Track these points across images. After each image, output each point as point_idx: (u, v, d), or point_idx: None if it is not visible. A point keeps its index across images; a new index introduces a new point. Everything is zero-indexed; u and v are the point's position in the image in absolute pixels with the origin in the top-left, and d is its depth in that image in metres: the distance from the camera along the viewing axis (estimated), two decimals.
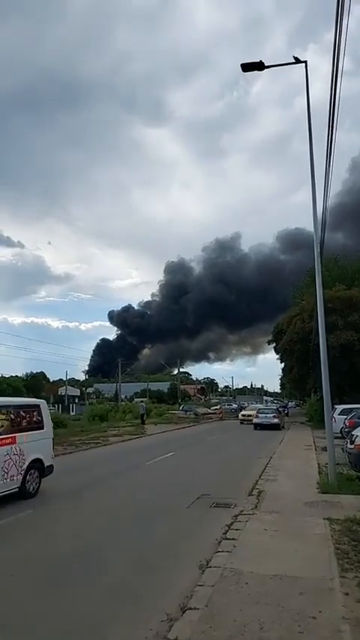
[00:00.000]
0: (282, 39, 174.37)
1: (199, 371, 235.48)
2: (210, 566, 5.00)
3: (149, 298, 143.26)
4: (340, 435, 18.63)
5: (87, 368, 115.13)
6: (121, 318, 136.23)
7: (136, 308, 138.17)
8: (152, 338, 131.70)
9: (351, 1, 6.84)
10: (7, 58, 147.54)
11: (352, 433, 11.06)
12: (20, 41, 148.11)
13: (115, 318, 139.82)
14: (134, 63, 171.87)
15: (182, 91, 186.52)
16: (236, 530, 6.47)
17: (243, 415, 37.86)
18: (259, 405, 45.21)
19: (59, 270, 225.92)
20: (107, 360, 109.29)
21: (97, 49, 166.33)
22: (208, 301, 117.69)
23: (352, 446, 10.29)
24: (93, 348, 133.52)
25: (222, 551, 5.49)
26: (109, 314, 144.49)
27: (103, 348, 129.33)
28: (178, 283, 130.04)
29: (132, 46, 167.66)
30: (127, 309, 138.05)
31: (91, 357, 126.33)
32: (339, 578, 4.54)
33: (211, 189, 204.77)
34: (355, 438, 10.31)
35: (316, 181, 10.97)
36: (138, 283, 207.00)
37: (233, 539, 6.01)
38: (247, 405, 55.86)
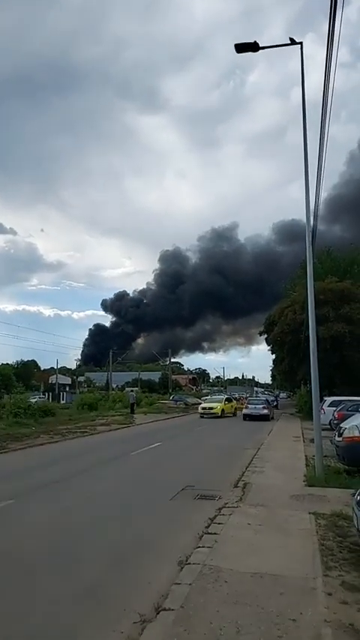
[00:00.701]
0: (280, 28, 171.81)
1: (191, 361, 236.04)
2: (189, 563, 4.79)
3: (143, 287, 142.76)
4: (329, 426, 18.60)
5: (79, 357, 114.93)
6: (116, 306, 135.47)
7: (130, 296, 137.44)
8: (148, 327, 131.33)
9: None
10: (1, 42, 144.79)
11: (341, 425, 10.91)
12: (14, 26, 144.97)
13: (109, 305, 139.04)
14: (130, 50, 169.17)
15: (178, 80, 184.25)
16: (219, 524, 6.28)
17: (203, 408, 32.99)
18: (220, 396, 40.08)
19: (52, 258, 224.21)
20: (101, 348, 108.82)
21: (93, 35, 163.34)
22: (204, 292, 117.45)
23: (340, 438, 10.13)
24: (86, 336, 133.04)
25: (203, 547, 5.29)
26: (102, 302, 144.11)
27: (97, 336, 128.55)
28: (173, 272, 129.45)
29: (128, 32, 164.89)
30: (122, 296, 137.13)
31: (84, 344, 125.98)
32: (322, 577, 4.35)
33: (206, 179, 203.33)
34: (344, 430, 10.15)
35: (309, 170, 10.71)
36: (131, 272, 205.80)
37: (215, 533, 5.81)
38: (238, 395, 55.18)
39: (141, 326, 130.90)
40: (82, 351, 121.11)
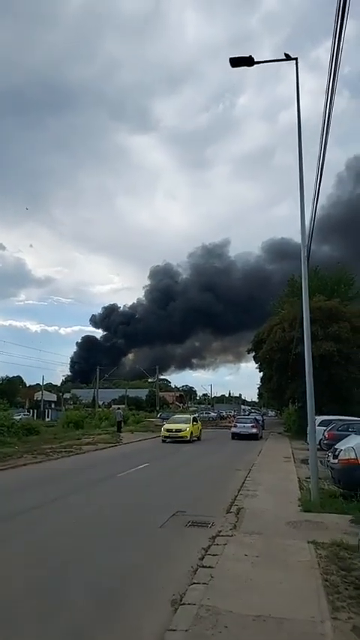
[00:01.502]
0: (269, 52, 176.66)
1: (178, 379, 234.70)
2: (184, 603, 4.36)
3: (133, 302, 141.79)
4: (319, 447, 18.26)
5: (67, 372, 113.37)
6: (105, 322, 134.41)
7: (120, 310, 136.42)
8: (138, 342, 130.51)
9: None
10: None
11: (336, 447, 10.58)
12: (9, 44, 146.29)
13: (98, 321, 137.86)
14: (122, 71, 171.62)
15: (169, 101, 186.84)
16: (214, 555, 5.86)
17: (168, 430, 26.43)
18: (185, 416, 32.58)
19: (40, 274, 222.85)
20: (90, 361, 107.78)
21: (87, 56, 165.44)
22: (194, 308, 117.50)
23: (336, 460, 9.79)
24: (74, 350, 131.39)
25: (198, 583, 4.87)
26: (91, 318, 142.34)
27: (87, 348, 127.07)
28: (164, 287, 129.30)
29: (121, 54, 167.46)
30: (112, 310, 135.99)
31: (72, 359, 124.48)
32: (330, 621, 3.97)
33: (195, 198, 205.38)
34: (339, 452, 9.81)
35: (304, 185, 10.53)
36: (119, 289, 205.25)
37: (210, 566, 5.40)
38: (226, 412, 54.36)
39: (131, 341, 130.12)
40: (71, 362, 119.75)
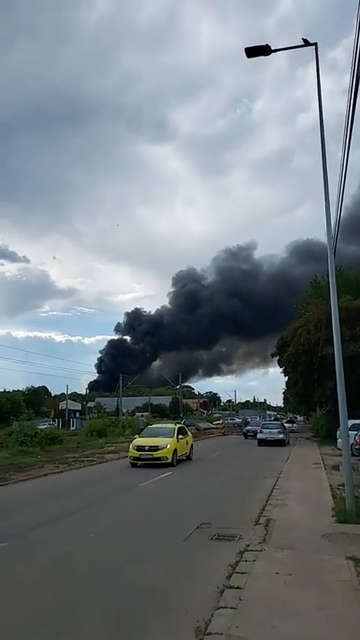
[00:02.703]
0: (284, 58, 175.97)
1: (202, 385, 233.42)
2: (209, 633, 3.84)
3: (154, 310, 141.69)
4: (350, 452, 17.47)
5: (93, 378, 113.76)
6: (131, 329, 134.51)
7: (145, 316, 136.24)
8: (165, 348, 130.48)
9: None
10: (17, 77, 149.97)
11: None
12: (30, 61, 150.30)
13: (123, 329, 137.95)
14: (139, 82, 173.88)
15: (186, 109, 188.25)
16: (242, 573, 5.31)
17: (139, 449, 16.98)
18: (167, 425, 22.19)
19: (63, 285, 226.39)
20: (118, 362, 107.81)
21: (104, 69, 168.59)
22: (221, 314, 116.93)
23: None
24: (96, 360, 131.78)
25: (225, 607, 4.34)
26: (115, 327, 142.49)
27: (115, 346, 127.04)
28: (189, 292, 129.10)
29: (137, 65, 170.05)
30: (137, 317, 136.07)
31: (99, 362, 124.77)
32: None
33: (214, 205, 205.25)
34: None
35: (328, 181, 9.90)
36: (141, 297, 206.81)
37: (238, 587, 4.85)
38: (250, 419, 53.53)
39: (158, 348, 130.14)
40: (100, 362, 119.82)
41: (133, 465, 16.62)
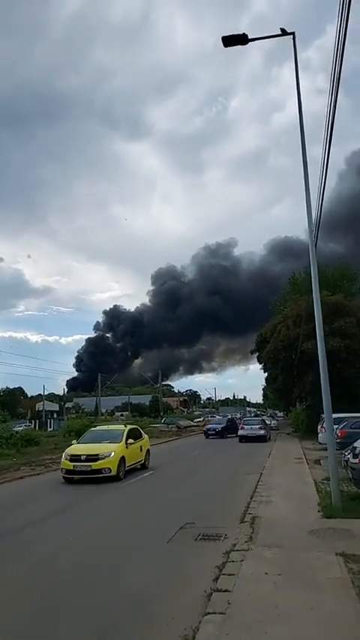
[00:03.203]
0: (259, 56, 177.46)
1: (181, 384, 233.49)
2: None
3: (133, 309, 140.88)
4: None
5: (70, 376, 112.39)
6: (111, 328, 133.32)
7: (124, 315, 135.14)
8: (145, 347, 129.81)
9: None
10: None
11: (355, 445, 9.81)
12: (1, 56, 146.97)
13: (103, 327, 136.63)
14: (114, 78, 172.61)
15: (162, 107, 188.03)
16: (229, 575, 5.07)
17: (72, 458, 13.06)
18: (116, 427, 17.99)
19: (38, 284, 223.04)
20: (97, 361, 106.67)
21: (78, 65, 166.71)
22: (202, 312, 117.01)
23: (357, 460, 9.02)
24: (77, 354, 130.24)
25: (213, 612, 4.09)
26: (95, 325, 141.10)
27: (95, 342, 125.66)
28: (169, 289, 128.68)
29: (112, 62, 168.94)
30: (116, 315, 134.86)
31: (78, 360, 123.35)
32: None
33: (191, 202, 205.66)
34: None
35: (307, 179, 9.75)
36: (119, 296, 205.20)
37: (227, 590, 4.61)
38: (230, 416, 53.58)
39: (138, 346, 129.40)
40: (79, 361, 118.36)
41: (68, 481, 12.89)
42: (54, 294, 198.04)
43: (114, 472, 12.66)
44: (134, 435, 15.05)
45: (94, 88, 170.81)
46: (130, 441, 14.20)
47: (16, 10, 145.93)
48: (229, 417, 46.20)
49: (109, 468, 12.63)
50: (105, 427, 17.36)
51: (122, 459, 13.19)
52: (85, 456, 12.81)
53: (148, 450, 16.12)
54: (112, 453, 12.92)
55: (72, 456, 13.06)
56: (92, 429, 17.34)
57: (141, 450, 15.29)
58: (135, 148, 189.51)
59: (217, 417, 51.00)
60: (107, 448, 13.13)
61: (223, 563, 5.53)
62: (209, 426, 37.06)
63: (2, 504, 10.48)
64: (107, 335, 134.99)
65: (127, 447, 13.78)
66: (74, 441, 14.91)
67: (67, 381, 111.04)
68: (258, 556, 5.75)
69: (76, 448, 13.68)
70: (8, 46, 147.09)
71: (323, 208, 10.90)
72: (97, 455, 12.76)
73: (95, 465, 12.55)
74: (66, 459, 13.07)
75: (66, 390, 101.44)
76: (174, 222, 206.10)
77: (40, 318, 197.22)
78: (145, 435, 16.74)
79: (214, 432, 34.35)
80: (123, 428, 15.03)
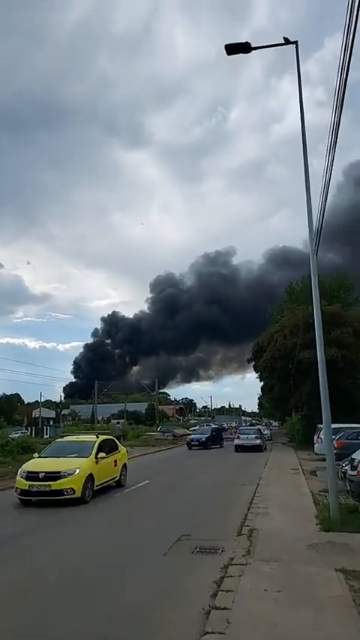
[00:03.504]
0: (259, 68, 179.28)
1: (177, 392, 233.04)
2: None
3: (131, 316, 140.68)
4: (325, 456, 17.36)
5: (72, 377, 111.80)
6: (109, 335, 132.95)
7: (123, 322, 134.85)
8: (143, 354, 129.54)
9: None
10: None
11: (353, 457, 9.71)
12: (2, 63, 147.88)
13: (101, 334, 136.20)
14: (115, 88, 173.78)
15: (162, 116, 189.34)
16: (228, 591, 4.95)
17: (30, 476, 10.87)
18: (82, 439, 20.98)
19: (37, 290, 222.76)
20: (95, 367, 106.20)
21: (80, 73, 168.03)
22: (200, 321, 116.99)
23: (355, 472, 8.91)
24: (74, 361, 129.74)
25: (212, 632, 3.96)
26: (93, 332, 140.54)
27: (93, 348, 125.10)
28: (168, 296, 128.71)
29: (114, 71, 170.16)
30: (114, 322, 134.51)
31: (76, 366, 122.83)
32: None
33: (190, 211, 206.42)
34: (358, 463, 8.92)
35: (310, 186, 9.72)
36: (117, 303, 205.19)
37: (225, 608, 4.48)
38: (226, 425, 52.92)
39: (137, 353, 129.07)
40: (77, 368, 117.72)
41: (24, 503, 10.83)
42: (52, 300, 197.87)
43: (78, 493, 10.62)
44: (108, 447, 12.89)
45: (96, 96, 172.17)
46: (102, 454, 11.99)
47: (18, 14, 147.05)
48: (214, 426, 44.08)
49: (72, 489, 10.58)
50: (73, 438, 15.25)
51: (90, 477, 11.20)
52: (43, 474, 10.72)
53: (125, 465, 13.98)
54: (78, 470, 10.87)
55: (29, 473, 10.96)
56: (58, 439, 15.58)
57: (115, 464, 13.08)
58: (135, 157, 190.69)
59: (203, 426, 47.27)
60: (72, 464, 11.13)
61: (221, 579, 5.40)
62: (193, 436, 34.60)
63: (17, 507, 10.30)
64: (106, 341, 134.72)
65: (97, 462, 11.71)
66: (36, 454, 13.01)
67: (65, 387, 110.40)
68: (256, 571, 5.63)
69: (35, 463, 11.64)
70: (10, 52, 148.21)
71: (324, 220, 10.91)
72: (58, 472, 10.74)
73: (55, 485, 10.56)
74: (21, 477, 10.99)
75: (63, 396, 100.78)
76: (173, 231, 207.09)
77: (38, 324, 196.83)
78: (122, 448, 14.72)
79: (197, 443, 32.03)
80: (94, 439, 12.81)
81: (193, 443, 32.23)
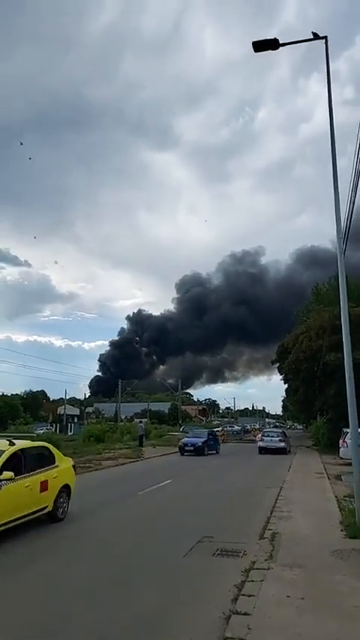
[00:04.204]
0: (287, 67, 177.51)
1: (201, 392, 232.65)
2: None
3: (162, 312, 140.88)
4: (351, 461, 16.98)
5: (98, 367, 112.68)
6: (135, 334, 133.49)
7: (149, 321, 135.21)
8: (170, 354, 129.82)
9: None
10: (21, 82, 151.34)
11: None
12: (34, 66, 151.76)
13: (128, 332, 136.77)
14: (143, 89, 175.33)
15: (189, 117, 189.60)
16: (249, 596, 4.85)
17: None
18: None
19: (64, 290, 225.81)
20: (121, 367, 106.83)
21: (109, 75, 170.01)
22: (227, 321, 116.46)
23: None
24: (98, 360, 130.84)
25: (232, 638, 3.88)
26: (119, 332, 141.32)
27: (119, 351, 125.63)
28: (195, 296, 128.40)
29: (142, 73, 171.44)
30: (141, 321, 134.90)
31: (102, 363, 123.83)
32: None
33: (216, 212, 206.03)
34: None
35: (339, 184, 9.47)
36: (141, 303, 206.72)
37: (246, 613, 4.39)
38: (249, 427, 51.89)
39: (161, 353, 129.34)
40: (103, 364, 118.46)
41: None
42: (79, 300, 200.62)
43: None
44: (31, 461, 8.26)
45: (124, 98, 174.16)
46: (8, 474, 7.22)
47: (48, 20, 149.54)
48: (209, 430, 37.24)
49: None
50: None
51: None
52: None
53: (66, 487, 9.29)
54: None
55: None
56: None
57: (44, 488, 8.30)
58: (162, 158, 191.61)
59: (192, 429, 40.11)
60: None
61: (243, 583, 5.32)
62: (186, 439, 28.40)
63: None
64: (134, 339, 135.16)
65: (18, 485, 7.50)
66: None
67: (91, 380, 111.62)
68: (279, 576, 5.51)
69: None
70: (41, 57, 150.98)
71: (354, 218, 10.67)
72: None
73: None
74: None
75: (88, 393, 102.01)
76: (199, 231, 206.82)
77: (64, 323, 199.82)
78: (66, 461, 9.85)
79: (192, 448, 26.33)
80: (5, 446, 7.93)
81: (186, 448, 26.45)
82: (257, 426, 71.10)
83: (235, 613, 4.42)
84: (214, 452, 27.77)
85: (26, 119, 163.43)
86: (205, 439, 27.41)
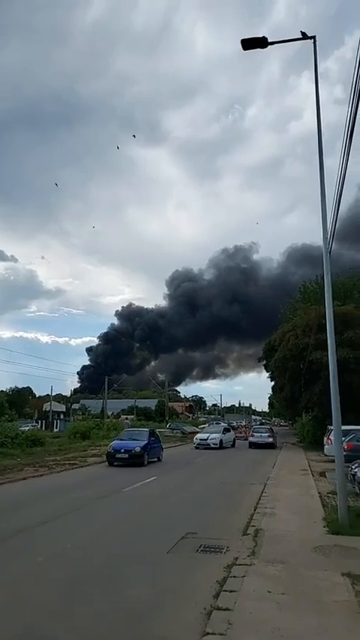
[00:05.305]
0: (277, 65, 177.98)
1: (187, 389, 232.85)
2: None
3: (152, 307, 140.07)
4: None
5: (77, 378, 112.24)
6: (126, 328, 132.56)
7: (141, 310, 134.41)
8: (160, 350, 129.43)
9: None
10: (10, 77, 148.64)
11: None
12: (23, 61, 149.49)
13: (119, 327, 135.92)
14: (134, 85, 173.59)
15: (179, 114, 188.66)
16: (231, 592, 4.88)
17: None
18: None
19: (51, 285, 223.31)
20: (110, 364, 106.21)
21: (99, 71, 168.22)
22: (219, 319, 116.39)
23: None
24: (86, 355, 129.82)
25: (213, 634, 3.90)
26: (109, 327, 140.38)
27: (109, 345, 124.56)
28: (186, 292, 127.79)
29: (132, 68, 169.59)
30: (132, 316, 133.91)
31: (93, 353, 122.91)
32: None
33: (206, 209, 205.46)
34: None
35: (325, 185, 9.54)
36: (130, 299, 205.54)
37: (227, 608, 4.42)
38: (237, 423, 52.64)
39: (152, 349, 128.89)
40: (90, 357, 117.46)
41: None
42: (66, 295, 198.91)
43: None
44: None
45: (114, 93, 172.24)
46: None
47: (39, 13, 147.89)
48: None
49: None
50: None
51: None
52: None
53: None
54: None
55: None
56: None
57: None
58: (152, 154, 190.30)
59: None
60: None
61: (224, 579, 5.33)
62: (116, 443, 19.47)
63: (2, 507, 10.34)
64: (125, 333, 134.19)
65: None
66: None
67: (81, 370, 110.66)
68: (261, 572, 5.55)
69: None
70: (31, 51, 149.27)
71: (343, 218, 10.74)
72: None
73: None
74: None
75: (77, 381, 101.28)
76: (188, 228, 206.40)
77: (51, 319, 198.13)
78: None
79: (126, 455, 18.39)
80: None
81: (118, 456, 18.44)
82: (244, 423, 71.48)
83: (217, 609, 4.44)
84: (156, 459, 20.43)
85: (15, 113, 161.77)
86: (145, 442, 19.39)
